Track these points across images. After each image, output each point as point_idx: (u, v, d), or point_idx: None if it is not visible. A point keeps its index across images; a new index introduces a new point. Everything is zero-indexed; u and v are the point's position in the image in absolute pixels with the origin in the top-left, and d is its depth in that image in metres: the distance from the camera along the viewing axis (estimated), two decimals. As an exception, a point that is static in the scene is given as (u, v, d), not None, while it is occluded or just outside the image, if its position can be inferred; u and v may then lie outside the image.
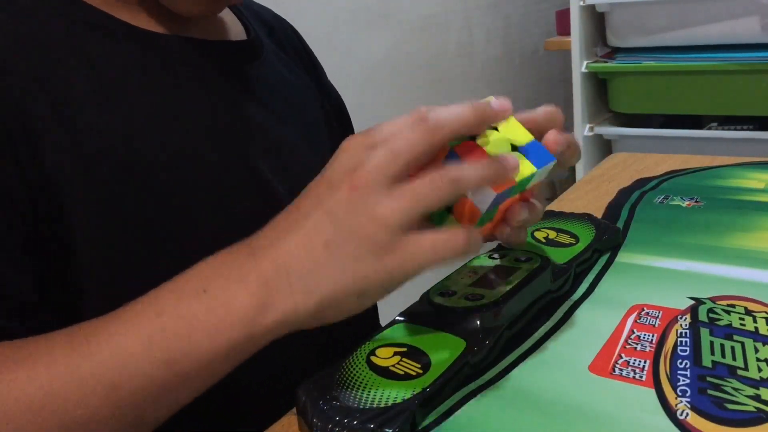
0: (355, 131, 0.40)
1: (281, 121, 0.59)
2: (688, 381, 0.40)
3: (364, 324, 0.56)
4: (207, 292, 0.37)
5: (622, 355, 0.43)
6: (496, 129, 0.42)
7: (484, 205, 0.40)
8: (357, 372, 0.40)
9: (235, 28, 0.61)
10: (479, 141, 0.41)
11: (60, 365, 0.36)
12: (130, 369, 0.36)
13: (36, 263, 0.43)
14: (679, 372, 0.41)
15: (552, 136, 0.44)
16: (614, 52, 1.70)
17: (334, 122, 0.69)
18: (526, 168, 0.41)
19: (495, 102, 0.41)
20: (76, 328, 0.38)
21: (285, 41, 0.68)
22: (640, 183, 0.76)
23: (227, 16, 0.61)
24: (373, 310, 0.67)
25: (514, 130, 0.42)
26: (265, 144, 0.55)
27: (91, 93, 0.46)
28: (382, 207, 0.36)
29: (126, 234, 0.46)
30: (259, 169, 0.53)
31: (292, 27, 0.72)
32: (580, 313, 0.49)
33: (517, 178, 0.40)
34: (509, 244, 0.47)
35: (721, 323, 0.46)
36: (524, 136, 0.42)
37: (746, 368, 0.40)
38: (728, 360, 0.41)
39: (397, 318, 0.47)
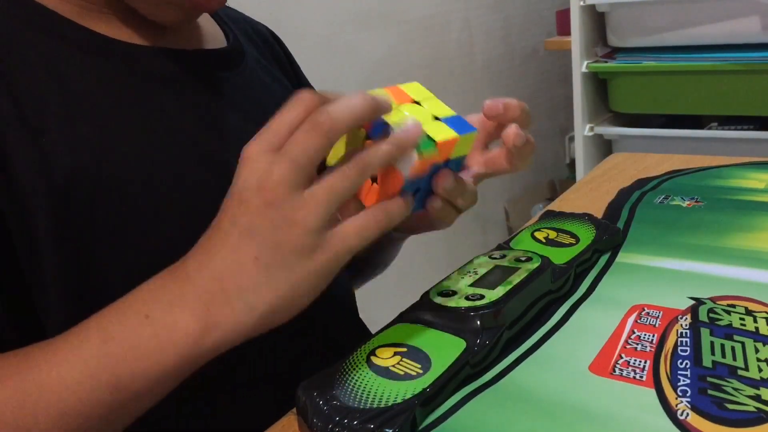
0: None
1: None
2: (688, 381, 0.40)
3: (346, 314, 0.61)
4: (149, 317, 0.38)
5: (623, 355, 0.43)
6: (419, 104, 0.43)
7: (405, 171, 0.41)
8: (357, 372, 0.40)
9: (215, 36, 0.59)
10: (388, 118, 0.41)
11: (9, 390, 0.37)
12: (79, 396, 0.37)
13: (6, 287, 0.42)
14: (679, 372, 0.41)
15: (512, 130, 0.44)
16: (614, 52, 1.70)
17: None
18: (447, 133, 0.41)
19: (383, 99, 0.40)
20: (25, 355, 0.38)
21: (266, 49, 0.66)
22: (641, 183, 0.76)
23: (207, 23, 0.59)
24: (351, 297, 0.67)
25: (435, 106, 0.43)
26: None
27: (62, 109, 0.45)
28: (299, 213, 0.37)
29: (98, 256, 0.45)
30: None
31: (273, 33, 0.70)
32: (580, 313, 0.49)
33: (437, 139, 0.40)
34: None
35: (721, 323, 0.45)
36: (446, 111, 0.43)
37: (746, 368, 0.40)
38: (728, 360, 0.41)
39: (397, 318, 0.47)
